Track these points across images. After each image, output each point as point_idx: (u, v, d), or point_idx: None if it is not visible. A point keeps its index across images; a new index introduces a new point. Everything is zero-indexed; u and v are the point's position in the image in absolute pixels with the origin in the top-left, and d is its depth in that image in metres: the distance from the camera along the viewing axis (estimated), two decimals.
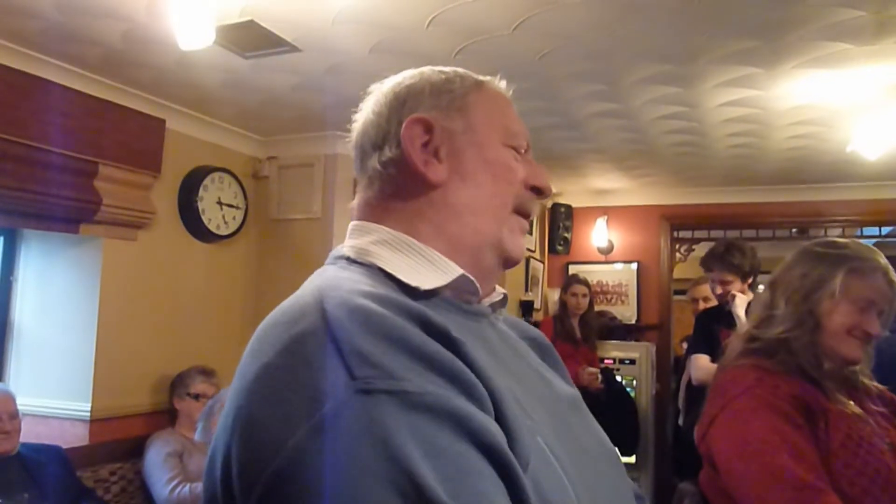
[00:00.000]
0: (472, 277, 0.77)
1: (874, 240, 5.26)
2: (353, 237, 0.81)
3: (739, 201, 5.02)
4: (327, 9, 2.27)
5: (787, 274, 1.51)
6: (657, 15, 2.28)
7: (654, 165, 4.45)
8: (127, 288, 3.18)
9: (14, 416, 2.57)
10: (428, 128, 0.80)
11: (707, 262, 3.13)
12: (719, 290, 3.08)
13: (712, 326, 3.10)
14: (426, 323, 0.64)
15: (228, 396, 0.66)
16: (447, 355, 0.62)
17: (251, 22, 2.35)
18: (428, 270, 0.75)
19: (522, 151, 0.84)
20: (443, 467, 0.55)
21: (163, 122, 3.23)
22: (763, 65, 2.68)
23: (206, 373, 3.27)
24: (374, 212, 0.82)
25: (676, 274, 5.45)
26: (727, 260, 3.05)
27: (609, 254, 5.35)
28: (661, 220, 5.24)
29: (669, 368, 5.20)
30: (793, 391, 1.38)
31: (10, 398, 2.60)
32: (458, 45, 2.51)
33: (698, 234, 5.41)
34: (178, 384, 3.23)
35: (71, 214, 2.91)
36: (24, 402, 2.64)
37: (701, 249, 5.30)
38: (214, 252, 3.67)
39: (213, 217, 3.56)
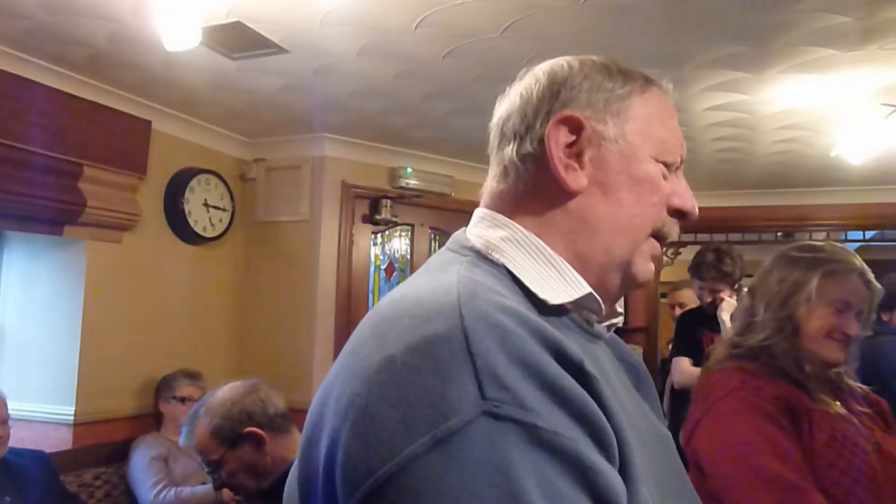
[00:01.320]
0: (597, 297, 0.72)
1: (858, 244, 5.31)
2: (482, 227, 0.75)
3: (726, 205, 5.04)
4: (315, 10, 2.26)
5: (764, 280, 1.53)
6: (644, 19, 2.29)
7: None
8: (112, 290, 3.15)
9: (5, 421, 2.54)
10: (576, 128, 0.72)
11: (699, 271, 3.08)
12: (709, 299, 3.06)
13: (694, 329, 3.11)
14: (561, 353, 0.59)
15: (337, 376, 0.62)
16: (581, 393, 0.58)
17: (238, 23, 2.33)
18: (556, 282, 0.70)
19: (673, 169, 0.77)
20: None
21: (149, 123, 3.21)
22: (749, 69, 2.70)
23: (192, 376, 3.24)
24: (506, 204, 0.75)
25: (663, 277, 5.46)
26: (721, 269, 3.01)
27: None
28: None
29: (656, 371, 5.22)
30: (776, 392, 1.39)
31: (2, 403, 2.57)
32: (447, 47, 2.51)
33: (685, 237, 5.42)
34: (163, 387, 3.21)
35: (55, 216, 2.89)
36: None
37: (687, 252, 5.33)
38: (201, 254, 3.65)
39: (200, 219, 3.54)
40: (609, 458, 0.58)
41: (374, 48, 2.54)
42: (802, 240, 5.02)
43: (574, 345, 0.61)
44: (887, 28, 2.31)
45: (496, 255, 0.71)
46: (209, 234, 3.60)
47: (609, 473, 0.56)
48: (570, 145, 0.73)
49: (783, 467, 1.29)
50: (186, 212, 3.44)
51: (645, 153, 0.75)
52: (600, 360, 0.72)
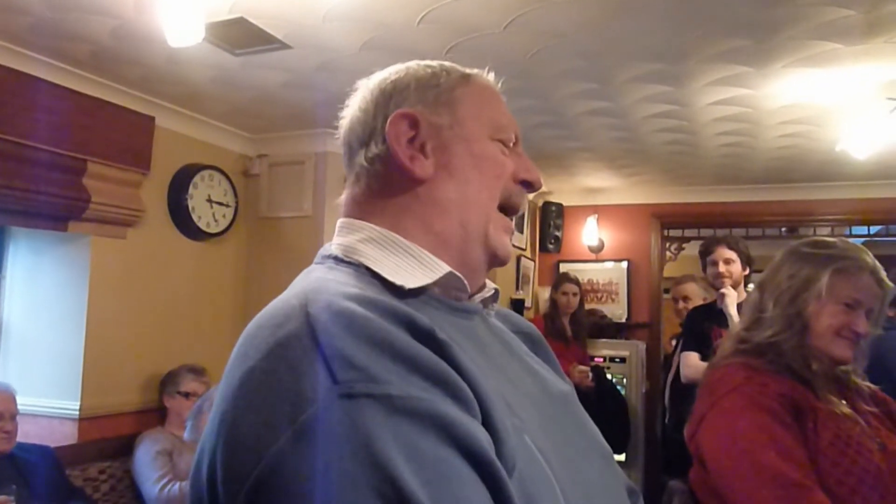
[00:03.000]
0: (459, 274, 0.76)
1: (863, 239, 5.30)
2: (341, 235, 0.81)
3: (730, 200, 5.04)
4: (318, 6, 2.26)
5: (774, 275, 1.52)
6: (648, 13, 2.29)
7: (645, 164, 4.46)
8: (116, 286, 3.16)
9: (14, 415, 2.57)
10: (414, 123, 0.79)
11: (708, 245, 3.15)
12: (722, 268, 3.07)
13: (703, 324, 3.11)
14: (411, 325, 0.63)
15: (215, 400, 0.66)
16: (432, 358, 0.61)
17: (241, 19, 2.33)
18: (415, 268, 0.75)
19: (511, 145, 0.83)
20: (425, 472, 0.54)
21: (152, 119, 3.21)
22: (753, 64, 2.69)
23: (196, 371, 3.26)
24: (362, 208, 0.81)
25: (667, 272, 5.46)
26: (729, 241, 3.11)
27: (600, 252, 5.36)
28: (652, 218, 5.25)
29: (659, 366, 5.22)
30: (781, 390, 1.39)
31: (12, 398, 2.59)
32: (449, 42, 2.51)
33: (688, 232, 5.43)
34: (167, 382, 3.22)
35: (59, 212, 2.89)
36: None
37: (691, 248, 5.33)
38: (204, 250, 3.65)
39: (203, 215, 3.54)
40: (469, 412, 0.60)
41: (376, 44, 2.54)
42: (807, 235, 5.02)
43: (426, 317, 0.65)
44: (892, 22, 2.29)
45: (354, 257, 0.76)
46: (213, 229, 3.61)
47: (469, 423, 0.59)
48: (411, 139, 0.79)
49: (786, 465, 1.29)
50: (190, 208, 3.44)
51: (481, 134, 0.81)
52: (474, 332, 0.77)
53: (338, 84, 2.97)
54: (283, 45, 2.56)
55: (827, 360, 1.45)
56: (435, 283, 0.75)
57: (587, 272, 5.29)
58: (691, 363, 3.02)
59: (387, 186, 0.80)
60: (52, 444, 2.81)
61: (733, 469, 1.35)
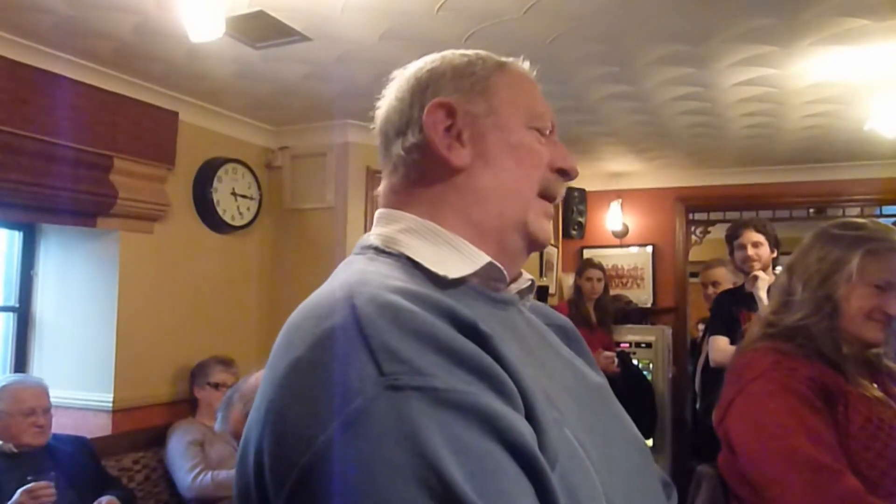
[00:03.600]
0: (498, 265, 0.76)
1: (894, 218, 5.19)
2: (380, 225, 0.81)
3: (755, 182, 4.96)
4: None
5: (803, 257, 1.49)
6: None
7: (669, 147, 4.41)
8: (145, 280, 3.21)
9: (48, 410, 2.62)
10: (450, 112, 0.79)
11: (736, 228, 3.11)
12: (751, 252, 3.03)
13: (731, 308, 3.08)
14: (455, 317, 0.63)
15: (260, 388, 0.67)
16: (476, 351, 0.61)
17: (261, 12, 2.34)
18: (454, 258, 0.75)
19: (547, 133, 0.83)
20: (469, 465, 0.55)
21: (175, 114, 3.25)
22: (778, 43, 2.64)
23: (225, 362, 3.30)
24: (400, 198, 0.81)
25: (692, 256, 5.41)
26: (757, 224, 3.08)
27: (624, 237, 5.32)
28: (676, 202, 5.20)
29: (686, 351, 5.19)
30: (811, 373, 1.37)
31: (45, 393, 2.64)
32: (469, 29, 2.50)
33: (714, 216, 5.37)
34: (197, 374, 3.27)
35: (88, 208, 2.94)
36: None
37: (716, 231, 5.27)
38: (230, 243, 3.69)
39: (228, 208, 3.58)
40: (513, 405, 0.61)
41: (395, 33, 2.53)
42: (835, 216, 4.94)
43: (469, 309, 0.65)
44: None
45: (395, 247, 0.76)
46: (238, 222, 3.65)
47: (513, 416, 0.60)
48: (448, 128, 0.79)
49: (815, 449, 1.27)
50: (215, 201, 3.48)
51: (517, 122, 0.81)
52: (512, 323, 0.77)
53: (358, 75, 2.98)
54: (303, 38, 2.57)
55: (858, 343, 1.42)
56: (474, 274, 0.75)
57: (611, 258, 5.26)
58: (720, 347, 3.00)
59: (424, 176, 0.80)
60: (88, 436, 2.87)
61: (762, 454, 1.34)
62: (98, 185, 2.92)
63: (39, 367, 3.19)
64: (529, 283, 0.86)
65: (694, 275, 5.35)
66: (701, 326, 5.13)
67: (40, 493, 2.32)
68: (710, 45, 2.67)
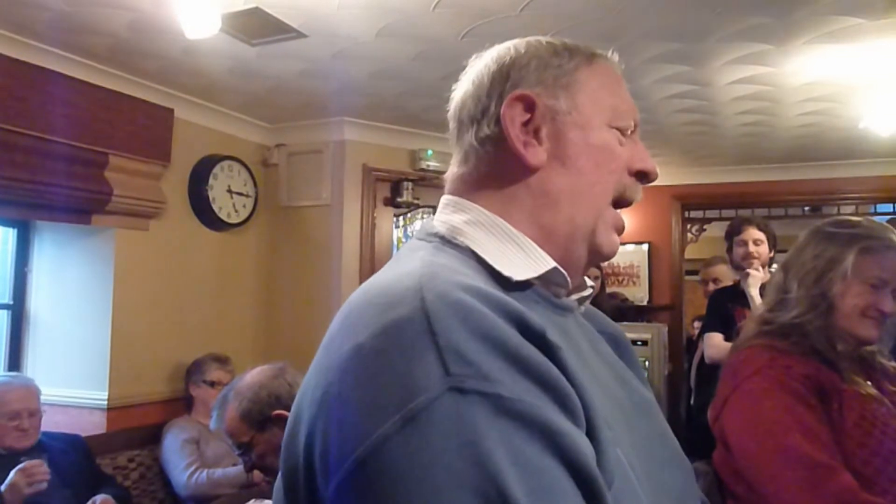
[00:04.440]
0: (563, 270, 0.74)
1: (888, 216, 5.20)
2: (446, 212, 0.78)
3: (751, 180, 4.97)
4: None
5: (799, 255, 1.50)
6: None
7: (665, 145, 4.42)
8: (140, 277, 3.21)
9: (34, 413, 2.57)
10: (530, 106, 0.75)
11: (738, 225, 3.11)
12: (752, 249, 3.04)
13: (727, 305, 3.09)
14: (523, 324, 0.61)
15: (314, 370, 0.65)
16: (544, 361, 0.59)
17: (257, 9, 2.34)
18: (520, 259, 0.72)
19: (629, 133, 0.79)
20: (529, 480, 0.53)
21: (171, 111, 3.24)
22: (773, 41, 2.65)
23: (221, 360, 3.30)
24: (468, 189, 0.78)
25: (688, 254, 5.42)
26: (758, 222, 3.09)
27: (620, 235, 5.32)
28: (672, 200, 5.21)
29: (682, 349, 5.20)
30: (806, 371, 1.37)
31: (32, 394, 2.60)
32: (466, 27, 2.49)
33: (710, 213, 5.38)
34: (193, 372, 3.26)
35: (83, 205, 2.93)
36: (41, 392, 2.67)
37: (712, 229, 5.28)
38: (226, 240, 3.69)
39: (224, 205, 3.57)
40: (575, 422, 0.59)
41: (392, 30, 2.53)
42: (830, 214, 4.95)
43: (537, 316, 0.63)
44: None
45: (460, 239, 0.73)
46: (233, 220, 3.64)
47: (576, 435, 0.58)
48: (525, 123, 0.75)
49: (811, 446, 1.28)
50: (211, 198, 3.47)
51: (599, 121, 0.77)
52: (570, 332, 0.74)
53: (354, 72, 2.97)
54: (299, 34, 2.56)
55: (852, 341, 1.43)
56: (538, 277, 0.72)
57: None
58: (715, 343, 3.00)
59: (496, 170, 0.76)
60: (82, 434, 2.86)
61: (757, 451, 1.34)
62: (93, 182, 2.91)
63: (33, 364, 3.18)
64: (590, 290, 0.83)
65: (690, 272, 5.36)
66: (697, 324, 5.14)
67: (34, 470, 2.33)
68: (706, 43, 2.67)
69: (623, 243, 5.23)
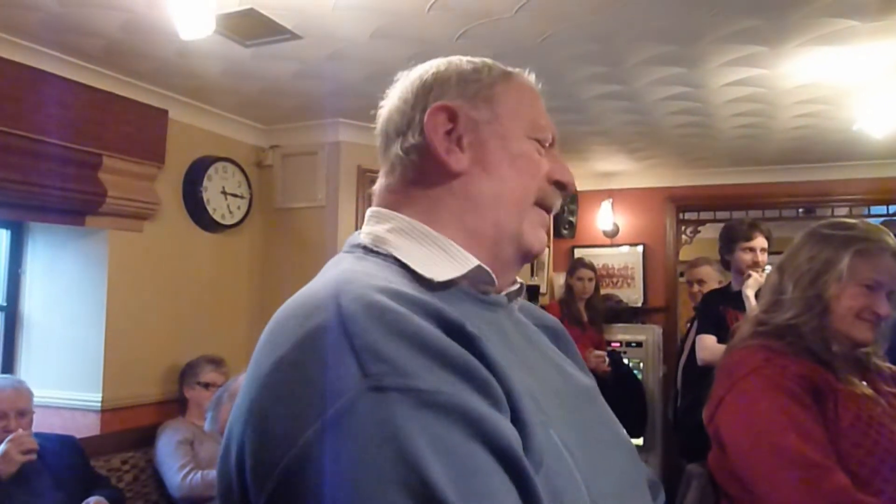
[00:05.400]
0: (488, 269, 0.76)
1: (882, 218, 5.22)
2: (370, 224, 0.81)
3: (745, 182, 4.99)
4: None
5: (794, 257, 1.50)
6: None
7: (659, 147, 4.43)
8: (134, 279, 3.20)
9: (24, 413, 2.55)
10: (452, 116, 0.79)
11: (746, 231, 3.10)
12: (760, 257, 3.05)
13: (718, 307, 3.09)
14: (441, 319, 0.63)
15: (242, 386, 0.66)
16: (461, 352, 0.61)
17: (251, 10, 2.33)
18: (443, 261, 0.75)
19: (547, 145, 0.83)
20: (453, 467, 0.54)
21: (165, 112, 3.23)
22: (768, 43, 2.66)
23: (215, 362, 3.29)
24: (394, 198, 0.81)
25: (682, 256, 5.43)
26: (764, 229, 3.09)
27: (615, 237, 5.34)
28: (667, 202, 5.22)
29: (676, 350, 5.20)
30: (801, 371, 1.38)
31: (21, 395, 2.58)
32: (460, 28, 2.50)
33: (704, 215, 5.39)
34: (187, 373, 3.25)
35: (76, 207, 2.92)
36: (34, 394, 2.65)
37: (706, 231, 5.29)
38: (220, 242, 3.68)
39: (218, 207, 3.56)
40: (497, 407, 0.60)
41: (387, 31, 2.53)
42: (824, 216, 4.97)
43: (460, 312, 0.65)
44: None
45: (384, 247, 0.76)
46: (228, 221, 3.63)
47: (497, 419, 0.59)
48: (448, 132, 0.79)
49: (806, 446, 1.28)
50: (205, 200, 3.47)
51: (518, 132, 0.81)
52: (500, 325, 0.76)
53: (349, 73, 2.97)
54: (294, 36, 2.56)
55: (847, 343, 1.43)
56: (463, 276, 0.75)
57: (602, 257, 5.27)
58: (707, 345, 3.00)
59: (421, 178, 0.80)
60: (76, 436, 2.85)
61: (753, 451, 1.34)
62: (87, 183, 2.90)
63: (27, 366, 3.16)
64: (519, 286, 0.86)
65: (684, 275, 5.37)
66: (687, 325, 5.15)
67: (24, 439, 2.39)
68: (700, 45, 2.68)
69: (617, 245, 5.31)
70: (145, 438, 3.11)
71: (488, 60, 0.85)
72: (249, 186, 3.75)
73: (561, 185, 0.83)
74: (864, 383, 1.42)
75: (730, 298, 3.07)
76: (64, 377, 3.08)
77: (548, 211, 0.83)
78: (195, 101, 3.43)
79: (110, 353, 3.06)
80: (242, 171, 3.71)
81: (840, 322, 1.42)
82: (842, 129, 3.80)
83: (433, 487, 0.52)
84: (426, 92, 0.81)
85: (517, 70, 0.86)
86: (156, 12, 2.34)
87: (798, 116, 3.64)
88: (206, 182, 3.46)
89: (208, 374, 3.22)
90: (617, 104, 3.49)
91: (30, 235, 3.23)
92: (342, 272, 0.70)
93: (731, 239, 3.14)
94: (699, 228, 5.44)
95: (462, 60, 0.84)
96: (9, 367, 3.15)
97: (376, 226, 0.79)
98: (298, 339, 0.61)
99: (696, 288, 3.94)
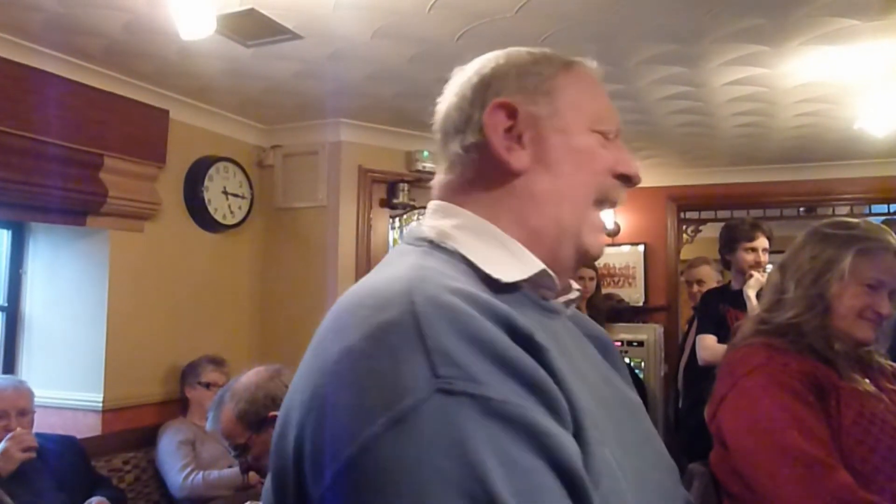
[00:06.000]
0: (551, 272, 0.75)
1: (883, 217, 5.22)
2: (435, 218, 0.80)
3: (747, 181, 4.98)
4: None
5: (796, 256, 1.50)
6: None
7: (660, 146, 4.42)
8: (135, 279, 3.20)
9: (25, 413, 2.56)
10: (511, 112, 0.77)
11: (749, 231, 3.10)
12: (762, 257, 3.06)
13: (718, 307, 3.09)
14: (511, 326, 0.62)
15: (304, 371, 0.65)
16: (531, 363, 0.60)
17: (252, 10, 2.33)
18: (508, 261, 0.74)
19: (611, 137, 0.81)
20: (516, 481, 0.54)
21: (166, 112, 3.23)
22: (769, 42, 2.65)
23: (217, 362, 3.29)
24: (456, 195, 0.80)
25: (684, 255, 5.42)
26: (766, 229, 3.10)
27: (616, 236, 5.33)
28: (668, 201, 5.21)
29: (677, 350, 5.20)
30: (803, 369, 1.38)
31: (21, 395, 2.58)
32: (461, 28, 2.49)
33: (705, 214, 5.38)
34: (188, 373, 3.25)
35: (77, 207, 2.92)
36: (36, 394, 2.66)
37: (707, 230, 5.29)
38: (221, 242, 3.68)
39: (219, 207, 3.56)
40: (562, 423, 0.60)
41: (388, 31, 2.53)
42: (825, 214, 4.96)
43: (525, 318, 0.64)
44: None
45: (449, 243, 0.74)
46: (229, 221, 3.63)
47: (562, 436, 0.58)
48: (508, 129, 0.77)
49: (808, 443, 1.28)
50: (206, 200, 3.47)
51: (580, 126, 0.79)
52: (558, 334, 0.74)
53: (349, 73, 2.97)
54: (295, 35, 2.56)
55: (849, 342, 1.43)
56: (526, 279, 0.73)
57: (603, 256, 5.22)
58: (708, 345, 3.00)
59: (481, 176, 0.78)
60: (77, 436, 2.85)
61: (755, 449, 1.34)
62: (88, 183, 2.90)
63: (28, 366, 3.16)
64: (577, 294, 0.84)
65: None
66: (687, 325, 5.15)
67: (24, 437, 2.40)
68: (701, 44, 2.68)
69: (619, 244, 5.30)
70: (147, 439, 3.11)
71: (548, 51, 0.83)
72: (250, 186, 3.76)
73: (625, 178, 0.81)
74: (867, 380, 1.42)
75: (729, 297, 3.07)
76: (65, 377, 3.08)
77: (612, 205, 0.82)
78: (196, 101, 3.43)
79: (111, 353, 3.06)
80: (243, 171, 3.71)
81: (842, 321, 1.42)
82: (843, 128, 3.80)
83: (495, 498, 0.52)
84: (484, 88, 0.79)
85: (578, 59, 0.84)
86: (157, 12, 2.34)
87: (799, 115, 3.64)
88: (207, 182, 3.46)
89: (210, 374, 3.22)
90: (618, 104, 3.43)
91: (31, 235, 3.24)
92: (413, 268, 0.68)
93: (734, 239, 3.14)
94: (700, 228, 5.44)
95: (521, 52, 0.82)
96: (10, 367, 3.15)
97: (442, 220, 0.78)
98: (369, 331, 0.60)
99: (695, 288, 3.95)
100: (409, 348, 0.58)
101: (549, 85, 0.79)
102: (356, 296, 0.66)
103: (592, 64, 0.85)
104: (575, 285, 0.85)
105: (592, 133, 0.79)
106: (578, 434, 0.61)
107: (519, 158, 0.77)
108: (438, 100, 0.84)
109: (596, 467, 0.61)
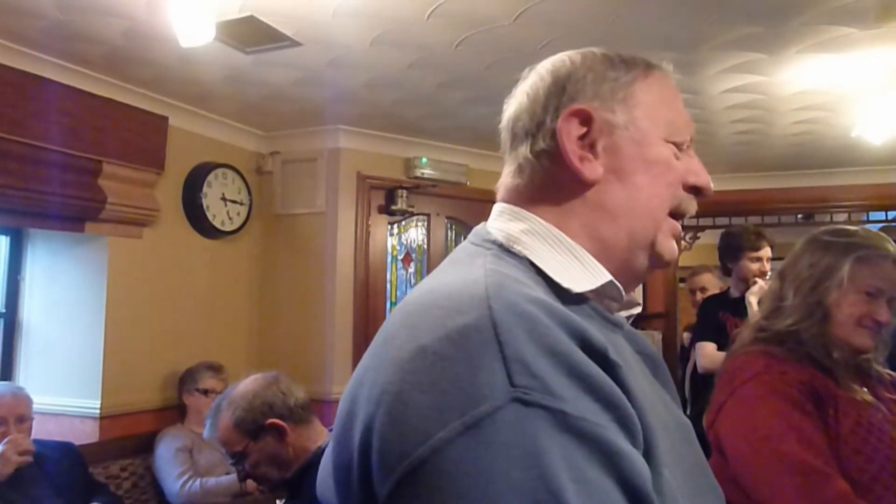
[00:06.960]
0: (618, 284, 0.74)
1: (880, 224, 5.23)
2: (502, 220, 0.77)
3: (744, 188, 4.99)
4: (327, 2, 2.26)
5: (795, 264, 1.50)
6: (658, 2, 2.27)
7: None
8: (134, 285, 3.19)
9: (23, 419, 2.55)
10: (586, 120, 0.74)
11: (754, 241, 3.11)
12: (767, 266, 3.06)
13: (717, 314, 3.09)
14: (586, 341, 0.61)
15: (369, 366, 0.64)
16: (606, 380, 0.59)
17: (251, 17, 2.34)
18: (578, 270, 0.72)
19: (685, 147, 0.79)
20: (587, 498, 0.53)
21: (165, 119, 3.24)
22: (767, 50, 2.66)
23: (214, 368, 3.28)
24: (524, 200, 0.77)
25: (681, 262, 5.42)
26: (769, 238, 3.11)
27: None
28: None
29: (676, 356, 5.20)
30: (802, 377, 1.38)
31: (19, 401, 2.58)
32: (460, 36, 2.50)
33: (703, 221, 5.38)
34: (186, 380, 3.25)
35: (76, 213, 2.92)
36: (34, 401, 2.65)
37: (706, 237, 5.29)
38: (220, 248, 3.68)
39: (218, 213, 3.56)
40: (635, 444, 0.59)
41: (386, 38, 2.53)
42: (823, 222, 4.97)
43: (598, 333, 0.63)
44: None
45: (518, 248, 0.73)
46: (227, 227, 3.63)
47: (635, 458, 0.57)
48: (582, 137, 0.74)
49: (806, 452, 1.28)
50: (205, 206, 3.47)
51: (655, 136, 0.77)
52: (621, 349, 0.73)
53: (348, 80, 2.98)
54: (294, 43, 2.57)
55: (847, 350, 1.43)
56: (593, 290, 0.72)
57: None
58: (707, 353, 3.00)
59: (551, 184, 0.76)
60: (75, 443, 2.84)
61: (753, 457, 1.34)
62: (86, 189, 2.90)
63: (26, 372, 3.16)
64: (639, 308, 0.83)
65: (684, 280, 5.36)
66: (686, 334, 5.15)
67: (21, 441, 2.40)
68: (700, 52, 2.69)
69: None
70: (144, 445, 3.11)
71: (626, 55, 0.80)
72: (249, 193, 3.76)
73: (697, 190, 0.80)
74: (865, 390, 1.42)
75: (728, 304, 3.07)
76: (63, 384, 3.07)
77: (682, 217, 0.80)
78: (195, 108, 3.44)
79: (109, 360, 3.06)
80: (242, 177, 3.71)
81: (840, 329, 1.42)
82: (840, 136, 3.81)
83: None
84: (559, 92, 0.76)
85: (657, 64, 0.81)
86: (156, 20, 2.35)
87: (797, 123, 3.65)
88: (205, 188, 3.47)
89: (207, 381, 3.22)
90: None
91: (29, 242, 3.23)
92: (490, 273, 0.66)
93: (738, 247, 3.14)
94: (698, 234, 5.44)
95: (597, 54, 0.79)
96: (8, 373, 3.15)
97: (510, 223, 0.76)
98: (447, 332, 0.59)
99: (698, 296, 3.95)
100: (486, 354, 0.57)
101: (626, 92, 0.76)
102: (431, 295, 0.65)
103: (669, 68, 0.82)
104: (637, 299, 0.83)
105: (667, 144, 0.77)
106: (649, 454, 0.60)
107: (593, 169, 0.74)
108: (506, 99, 0.81)
109: (663, 489, 0.60)
